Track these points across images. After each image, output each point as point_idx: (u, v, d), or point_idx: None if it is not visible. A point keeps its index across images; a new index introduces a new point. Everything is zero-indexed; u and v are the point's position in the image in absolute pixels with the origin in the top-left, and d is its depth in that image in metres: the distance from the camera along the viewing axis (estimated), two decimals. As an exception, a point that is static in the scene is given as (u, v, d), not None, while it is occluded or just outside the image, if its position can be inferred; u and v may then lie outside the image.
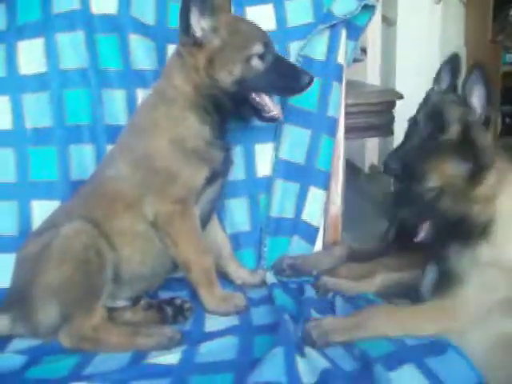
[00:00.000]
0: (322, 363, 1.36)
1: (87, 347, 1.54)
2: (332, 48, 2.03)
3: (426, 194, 1.55)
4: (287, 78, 1.70)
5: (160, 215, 1.68)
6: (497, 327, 1.49)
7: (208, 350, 1.49)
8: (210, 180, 1.73)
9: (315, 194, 2.03)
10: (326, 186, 2.05)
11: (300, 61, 2.00)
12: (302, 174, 2.04)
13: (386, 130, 2.32)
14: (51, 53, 1.95)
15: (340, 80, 2.05)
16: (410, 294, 1.76)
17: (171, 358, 1.45)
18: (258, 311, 1.73)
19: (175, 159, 1.68)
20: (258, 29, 1.72)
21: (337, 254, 1.95)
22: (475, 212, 1.54)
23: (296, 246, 2.02)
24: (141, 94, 2.00)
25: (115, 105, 2.00)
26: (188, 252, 1.71)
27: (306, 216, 2.03)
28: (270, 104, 1.72)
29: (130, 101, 2.00)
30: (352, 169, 4.84)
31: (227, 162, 1.81)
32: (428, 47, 4.51)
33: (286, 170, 2.04)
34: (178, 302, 1.73)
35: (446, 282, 1.56)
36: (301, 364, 1.34)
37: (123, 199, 1.69)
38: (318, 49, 2.04)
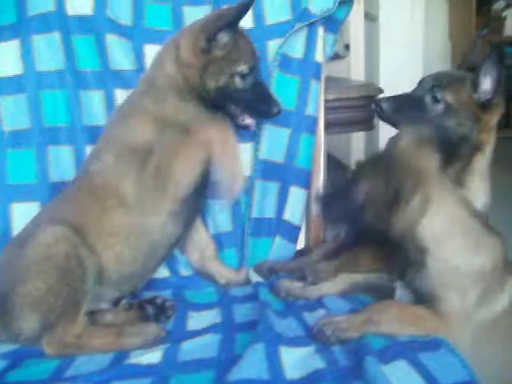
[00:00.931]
0: (314, 359, 1.36)
1: (71, 353, 1.52)
2: (310, 46, 2.03)
3: (433, 105, 1.60)
4: (259, 103, 1.78)
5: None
6: (474, 319, 1.49)
7: (190, 348, 1.48)
8: None
9: (296, 194, 2.04)
10: (308, 185, 2.05)
11: (278, 59, 2.00)
12: (282, 174, 2.04)
13: (368, 124, 2.32)
14: (27, 55, 1.93)
15: (318, 78, 2.05)
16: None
17: (153, 357, 1.44)
18: (241, 308, 1.73)
19: (157, 133, 1.68)
20: (253, 51, 1.79)
21: (314, 259, 1.91)
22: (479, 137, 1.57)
23: (278, 246, 2.03)
24: (119, 95, 1.99)
25: (93, 106, 1.99)
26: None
27: (287, 216, 2.04)
28: (242, 115, 1.80)
29: (108, 101, 1.99)
30: (338, 165, 4.85)
31: None
32: (412, 42, 4.51)
33: (265, 169, 2.04)
34: (160, 300, 1.72)
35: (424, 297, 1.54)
36: (285, 359, 1.34)
37: (114, 194, 1.68)
38: (296, 47, 2.04)
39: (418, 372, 1.29)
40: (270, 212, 2.04)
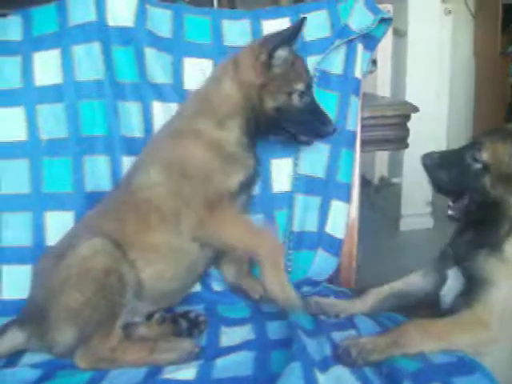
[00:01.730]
0: (349, 380, 1.35)
1: (104, 367, 1.51)
2: (349, 62, 2.03)
3: (473, 164, 1.54)
4: (315, 122, 1.79)
5: (202, 224, 1.66)
6: None
7: (224, 365, 1.47)
8: (243, 188, 1.74)
9: (338, 207, 2.02)
10: (348, 199, 2.03)
11: (317, 75, 1.99)
12: (323, 188, 2.03)
13: (402, 142, 2.30)
14: (67, 64, 1.95)
15: (357, 94, 2.04)
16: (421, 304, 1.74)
17: (187, 373, 1.43)
18: (273, 325, 1.71)
19: (212, 163, 1.69)
20: (306, 69, 1.83)
21: (369, 303, 1.81)
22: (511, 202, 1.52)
23: (320, 259, 2.00)
24: (156, 107, 1.99)
25: (131, 117, 1.99)
26: (248, 241, 1.67)
27: (329, 229, 2.01)
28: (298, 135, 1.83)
29: (145, 113, 1.99)
30: (361, 181, 4.82)
31: (256, 175, 1.83)
32: (438, 58, 4.50)
33: (306, 184, 2.03)
34: (193, 315, 1.72)
35: (473, 287, 1.52)
36: (322, 379, 1.32)
37: (158, 210, 1.68)
38: (335, 63, 2.03)
39: None
40: (311, 226, 2.02)
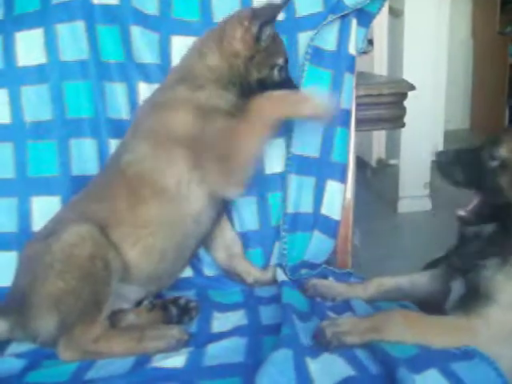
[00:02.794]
0: (342, 367, 1.30)
1: (89, 359, 1.47)
2: (343, 38, 1.97)
3: (489, 161, 1.46)
4: None
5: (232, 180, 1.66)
6: None
7: (215, 352, 1.43)
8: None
9: (333, 187, 1.96)
10: (344, 179, 1.98)
11: (310, 52, 1.93)
12: (318, 168, 1.97)
13: (398, 122, 2.25)
14: (50, 44, 1.88)
15: (352, 71, 1.98)
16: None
17: (176, 361, 1.39)
18: (267, 310, 1.67)
19: (199, 123, 1.65)
20: (283, 44, 1.83)
21: (370, 291, 1.75)
22: None
23: (316, 241, 1.96)
24: (142, 88, 1.94)
25: (117, 98, 1.94)
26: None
27: (325, 210, 1.96)
28: None
29: (131, 94, 1.94)
30: (359, 163, 4.79)
31: None
32: (435, 39, 4.43)
33: (299, 164, 1.97)
34: (183, 301, 1.68)
35: (474, 295, 1.45)
36: (313, 367, 1.28)
37: (150, 183, 1.64)
38: (329, 39, 1.97)
39: (451, 382, 1.22)
40: (306, 207, 1.97)
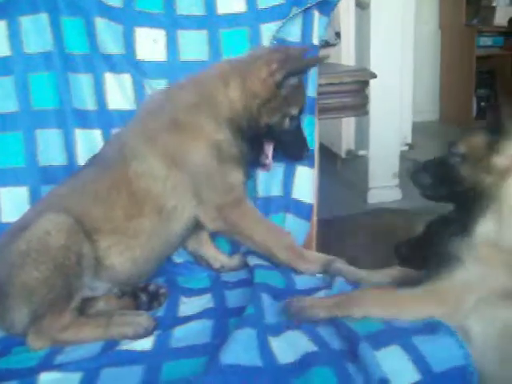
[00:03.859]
0: (304, 343, 1.33)
1: (58, 347, 1.49)
2: (306, 29, 2.00)
3: (452, 159, 1.58)
4: (294, 146, 1.85)
5: (220, 218, 1.72)
6: (500, 319, 1.42)
7: (182, 335, 1.46)
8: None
9: (303, 172, 2.00)
10: (313, 164, 2.01)
11: (274, 44, 1.97)
12: None
13: (361, 109, 2.28)
14: (15, 36, 1.90)
15: None
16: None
17: (144, 343, 1.42)
18: (233, 294, 1.71)
19: (216, 164, 1.71)
20: (305, 96, 1.86)
21: (395, 274, 1.76)
22: (487, 183, 1.52)
23: (291, 223, 1.98)
24: (109, 79, 1.96)
25: (82, 89, 1.95)
26: (265, 238, 1.74)
27: (296, 194, 2.00)
28: (269, 156, 1.85)
29: (97, 85, 1.96)
30: (329, 154, 4.84)
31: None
32: (402, 31, 4.47)
33: None
34: (153, 287, 1.70)
35: (443, 265, 1.49)
36: (276, 344, 1.32)
37: (156, 201, 1.68)
38: (293, 31, 2.00)
39: (411, 358, 1.26)
40: (277, 191, 2.01)
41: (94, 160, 1.78)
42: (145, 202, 1.67)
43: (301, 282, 1.71)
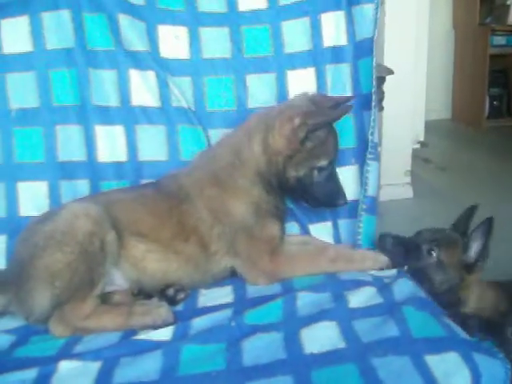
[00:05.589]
0: (335, 335, 1.36)
1: (79, 334, 1.51)
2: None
3: (426, 258, 1.73)
4: (327, 195, 1.81)
5: (263, 269, 1.72)
6: None
7: (201, 324, 1.48)
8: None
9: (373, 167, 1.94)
10: (378, 159, 1.98)
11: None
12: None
13: (378, 105, 2.28)
14: (36, 32, 1.92)
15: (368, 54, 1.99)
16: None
17: (163, 333, 1.44)
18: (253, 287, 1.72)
19: (255, 218, 1.74)
20: (336, 146, 1.81)
21: None
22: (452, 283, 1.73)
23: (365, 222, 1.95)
24: (134, 76, 1.98)
25: (104, 85, 1.97)
26: (309, 269, 1.74)
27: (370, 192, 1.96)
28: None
29: (121, 81, 1.98)
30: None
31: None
32: (416, 29, 4.47)
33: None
34: (171, 292, 1.69)
35: None
36: (305, 334, 1.37)
37: (200, 239, 1.73)
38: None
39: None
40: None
41: (152, 184, 1.86)
42: (192, 234, 1.72)
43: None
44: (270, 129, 1.73)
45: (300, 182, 1.76)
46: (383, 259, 1.71)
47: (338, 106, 1.79)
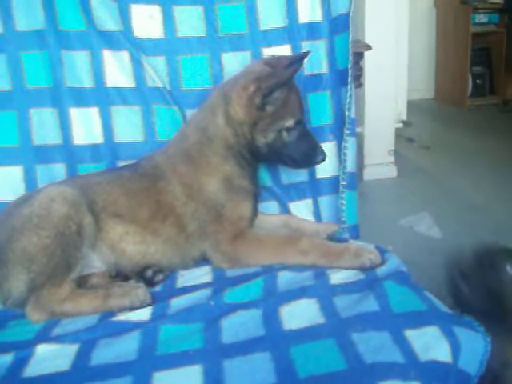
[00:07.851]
0: (314, 312, 1.38)
1: (56, 319, 1.51)
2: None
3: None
4: (304, 153, 1.79)
5: (226, 252, 1.71)
6: None
7: (179, 303, 1.48)
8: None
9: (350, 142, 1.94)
10: (355, 134, 1.97)
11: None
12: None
13: (356, 81, 2.27)
14: (5, 14, 1.88)
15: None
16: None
17: (142, 314, 1.44)
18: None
19: (227, 195, 1.73)
20: (300, 104, 1.79)
21: None
22: None
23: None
24: (107, 56, 1.95)
25: (78, 67, 1.94)
26: (275, 259, 1.70)
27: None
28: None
29: (95, 62, 1.95)
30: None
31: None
32: (397, 8, 4.45)
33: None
34: (149, 274, 1.69)
35: None
36: (286, 310, 1.38)
37: (177, 218, 1.73)
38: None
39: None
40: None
41: (129, 166, 1.84)
42: (169, 214, 1.72)
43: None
44: (229, 101, 1.72)
45: (271, 147, 1.75)
46: (367, 257, 1.60)
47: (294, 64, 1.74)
